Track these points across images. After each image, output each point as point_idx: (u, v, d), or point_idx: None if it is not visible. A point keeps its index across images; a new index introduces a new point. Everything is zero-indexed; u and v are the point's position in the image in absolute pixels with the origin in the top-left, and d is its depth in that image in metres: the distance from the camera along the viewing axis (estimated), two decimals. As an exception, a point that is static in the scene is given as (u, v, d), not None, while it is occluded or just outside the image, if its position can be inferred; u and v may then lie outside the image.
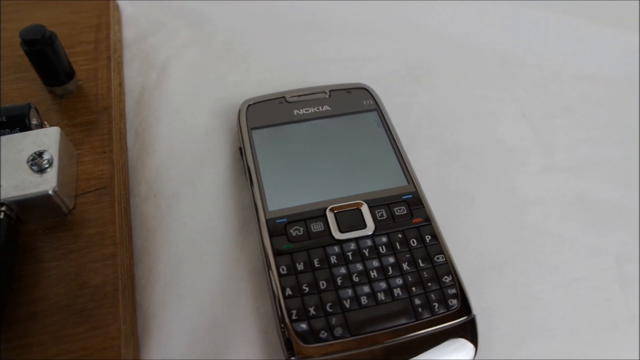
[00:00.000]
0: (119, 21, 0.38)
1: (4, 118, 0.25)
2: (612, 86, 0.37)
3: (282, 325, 0.23)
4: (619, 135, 0.35)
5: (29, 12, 0.34)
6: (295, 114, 0.31)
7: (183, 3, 0.41)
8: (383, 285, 0.25)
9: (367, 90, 0.33)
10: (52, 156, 0.24)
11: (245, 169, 0.29)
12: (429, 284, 0.25)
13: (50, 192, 0.23)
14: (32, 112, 0.26)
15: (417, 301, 0.24)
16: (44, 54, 0.27)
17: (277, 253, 0.25)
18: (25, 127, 0.25)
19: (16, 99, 0.29)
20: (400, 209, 0.27)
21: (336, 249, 0.25)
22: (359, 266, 0.25)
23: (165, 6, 0.40)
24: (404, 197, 0.28)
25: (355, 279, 0.25)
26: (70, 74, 0.30)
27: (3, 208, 0.23)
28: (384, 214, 0.27)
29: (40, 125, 0.27)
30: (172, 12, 0.40)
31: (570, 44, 0.39)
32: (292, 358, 0.23)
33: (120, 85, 0.33)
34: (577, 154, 0.33)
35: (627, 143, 0.34)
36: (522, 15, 0.41)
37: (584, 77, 0.38)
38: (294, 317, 0.23)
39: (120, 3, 0.40)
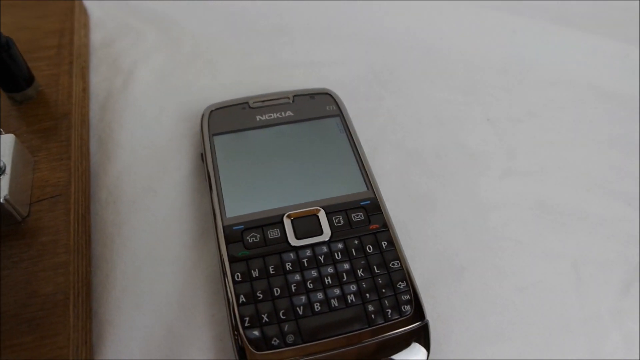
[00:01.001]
0: (85, 25, 0.38)
1: (-43, 126, 0.25)
2: (575, 91, 0.38)
3: (235, 332, 0.23)
4: (581, 139, 0.35)
5: (-8, 17, 0.34)
6: (258, 119, 0.31)
7: (152, 6, 0.41)
8: (337, 291, 0.25)
9: (330, 95, 0.33)
10: (4, 164, 0.24)
11: (206, 175, 0.29)
12: (383, 290, 0.25)
13: (1, 200, 0.23)
14: (-13, 120, 0.26)
15: (371, 307, 0.24)
16: (1, 61, 0.27)
17: (232, 260, 0.25)
18: (-21, 134, 0.25)
19: (-25, 106, 0.29)
20: (357, 215, 0.27)
21: (292, 255, 0.26)
22: (314, 273, 0.25)
23: (133, 9, 0.40)
24: (362, 203, 0.28)
25: (310, 285, 0.25)
26: (29, 79, 0.29)
27: (-48, 217, 0.23)
28: (341, 220, 0.27)
29: (-4, 133, 0.27)
30: (140, 16, 0.40)
31: (535, 48, 0.40)
32: (244, 365, 0.23)
33: (84, 90, 0.33)
34: (539, 158, 0.34)
35: (589, 147, 0.35)
36: (489, 19, 0.41)
37: (548, 82, 0.38)
38: (246, 324, 0.23)
39: (89, 6, 0.40)
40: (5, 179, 0.24)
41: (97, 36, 0.38)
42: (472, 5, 0.42)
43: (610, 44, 0.40)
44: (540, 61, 0.39)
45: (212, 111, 0.32)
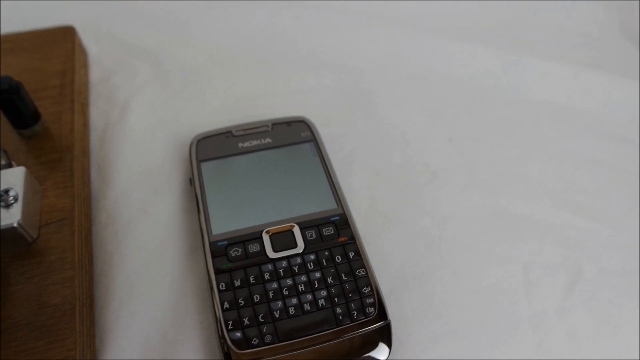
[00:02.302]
0: (85, 64, 0.42)
1: (-26, 161, 0.29)
2: (530, 110, 0.41)
3: (221, 334, 0.27)
4: (535, 154, 0.39)
5: (2, 59, 0.38)
6: (240, 146, 0.35)
7: (144, 42, 0.44)
8: (309, 297, 0.28)
9: (305, 122, 0.37)
10: (17, 193, 0.28)
11: (194, 198, 0.32)
12: (350, 295, 0.28)
13: (15, 224, 0.27)
14: (1, 154, 0.30)
15: (339, 310, 0.28)
16: (11, 101, 0.31)
17: (217, 272, 0.29)
18: (-6, 168, 0.29)
19: (-12, 141, 0.33)
20: (328, 229, 0.31)
21: (270, 266, 0.29)
22: (289, 281, 0.29)
23: (128, 46, 0.44)
24: (332, 219, 0.31)
25: (285, 292, 0.28)
26: (36, 117, 0.33)
27: (-27, 240, 0.26)
28: (314, 234, 0.30)
29: (9, 165, 0.30)
30: (134, 52, 0.44)
31: (494, 72, 0.44)
32: (228, 363, 0.26)
33: (85, 124, 0.37)
34: (496, 172, 0.37)
35: (541, 161, 0.38)
36: (450, 47, 0.45)
37: (505, 102, 0.42)
38: (230, 327, 0.27)
39: (87, 44, 0.44)
40: (18, 206, 0.27)
41: (95, 73, 0.42)
42: (434, 34, 0.46)
43: (562, 67, 0.44)
44: (499, 83, 0.43)
45: (199, 140, 0.35)
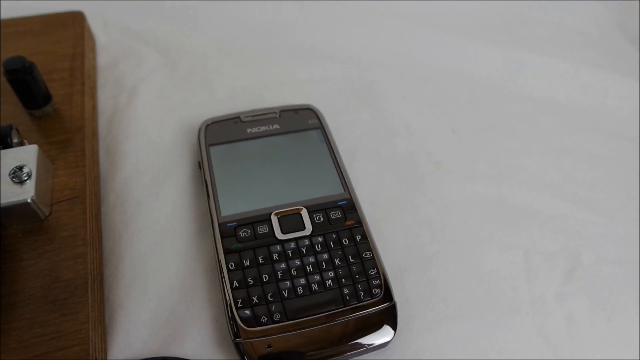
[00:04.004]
0: (93, 49, 0.42)
1: (-12, 138, 0.29)
2: (531, 104, 0.42)
3: (230, 312, 0.27)
4: (535, 147, 0.39)
5: (10, 42, 0.38)
6: (249, 132, 0.36)
7: (152, 31, 0.45)
8: (317, 277, 0.29)
9: (312, 110, 0.37)
10: (30, 170, 0.28)
11: (203, 181, 0.33)
12: (357, 276, 0.29)
13: (28, 200, 0.27)
14: (14, 132, 0.30)
15: (346, 290, 0.28)
16: (24, 82, 0.31)
17: (227, 252, 0.29)
18: (7, 145, 0.29)
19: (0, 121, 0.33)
20: (335, 213, 0.31)
21: (278, 247, 0.30)
22: (297, 262, 0.29)
23: (135, 34, 0.45)
24: (339, 203, 0.32)
25: (294, 272, 0.29)
26: (47, 98, 0.34)
27: (-13, 214, 0.26)
28: (321, 218, 0.31)
29: (21, 144, 0.30)
30: (141, 40, 0.44)
31: (496, 67, 0.45)
32: (238, 339, 0.26)
33: (94, 107, 0.37)
34: (498, 164, 0.38)
35: (542, 154, 0.39)
36: (454, 42, 0.46)
37: (507, 97, 0.43)
38: (239, 305, 0.27)
39: (95, 31, 0.44)
40: (31, 183, 0.28)
41: (102, 59, 0.43)
42: (439, 30, 0.47)
43: (563, 64, 0.45)
44: (501, 79, 0.44)
45: (208, 125, 0.36)
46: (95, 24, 0.44)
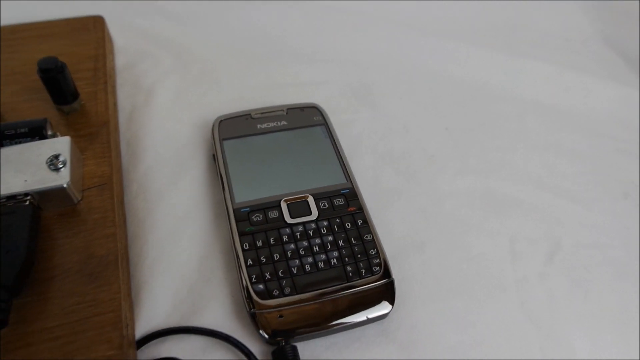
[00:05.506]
0: (111, 51, 0.45)
1: (26, 129, 0.32)
2: (517, 105, 0.46)
3: (245, 286, 0.30)
4: (521, 144, 0.43)
5: (37, 45, 0.41)
6: (259, 127, 0.39)
7: (166, 35, 0.48)
8: (323, 257, 0.32)
9: (317, 108, 0.41)
10: (65, 158, 0.31)
11: (218, 171, 0.36)
12: (359, 256, 0.32)
13: (64, 185, 0.30)
14: (48, 125, 0.33)
15: (349, 268, 0.32)
16: (56, 80, 0.35)
17: (241, 234, 0.32)
18: (43, 136, 0.32)
19: (31, 115, 0.36)
20: (338, 200, 0.35)
21: (287, 230, 0.33)
22: (305, 243, 0.32)
23: (150, 38, 0.48)
24: (342, 192, 0.35)
25: (302, 252, 0.32)
26: (75, 95, 0.37)
27: (28, 197, 0.29)
28: (326, 204, 0.34)
29: (54, 136, 0.34)
30: (156, 43, 0.47)
31: (485, 71, 0.48)
32: (253, 310, 0.30)
33: (115, 104, 0.41)
34: (487, 159, 0.42)
35: (527, 150, 0.42)
36: (446, 47, 0.50)
37: (495, 98, 0.46)
38: (253, 280, 0.30)
39: (113, 35, 0.47)
40: (66, 170, 0.31)
41: (120, 60, 0.46)
42: (432, 35, 0.50)
43: (547, 67, 0.49)
44: (490, 81, 0.48)
45: (221, 121, 0.39)
46: (112, 27, 0.47)
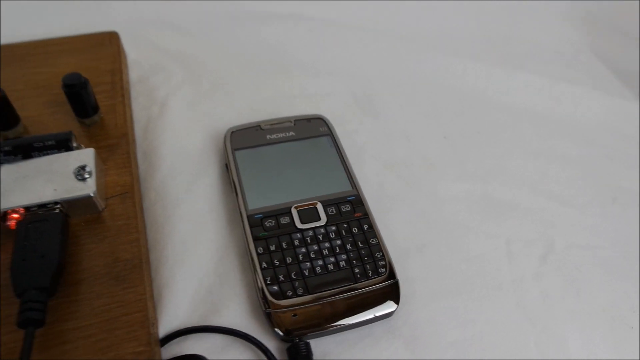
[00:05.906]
0: (126, 65, 0.47)
1: (53, 141, 0.34)
2: (512, 114, 0.48)
3: (260, 287, 0.32)
4: (516, 150, 0.45)
5: (58, 59, 0.43)
6: (268, 138, 0.41)
7: (178, 48, 0.50)
8: (332, 259, 0.34)
9: (323, 120, 0.43)
10: (91, 169, 0.33)
11: (231, 180, 0.38)
12: (365, 258, 0.34)
13: (91, 194, 0.32)
14: (73, 138, 0.35)
15: (357, 270, 0.34)
16: (80, 95, 0.37)
17: (255, 239, 0.34)
18: (69, 148, 0.35)
19: (54, 127, 0.38)
20: (345, 207, 0.37)
21: (299, 235, 0.35)
22: (315, 247, 0.35)
23: (163, 51, 0.50)
24: (348, 198, 0.37)
25: (312, 255, 0.34)
26: (96, 108, 0.39)
27: (58, 206, 0.32)
28: (334, 210, 0.36)
29: (78, 147, 0.36)
30: (169, 57, 0.50)
31: (482, 82, 0.51)
32: (268, 310, 0.32)
33: (131, 116, 0.43)
34: (484, 165, 0.44)
35: (521, 156, 0.45)
36: (444, 60, 0.52)
37: (491, 107, 0.49)
38: (268, 282, 0.33)
39: (126, 48, 0.49)
40: (92, 180, 0.33)
41: (134, 74, 0.48)
42: (432, 49, 0.53)
43: (540, 79, 0.51)
44: (486, 91, 0.50)
45: (232, 132, 0.41)
46: (125, 41, 0.49)
